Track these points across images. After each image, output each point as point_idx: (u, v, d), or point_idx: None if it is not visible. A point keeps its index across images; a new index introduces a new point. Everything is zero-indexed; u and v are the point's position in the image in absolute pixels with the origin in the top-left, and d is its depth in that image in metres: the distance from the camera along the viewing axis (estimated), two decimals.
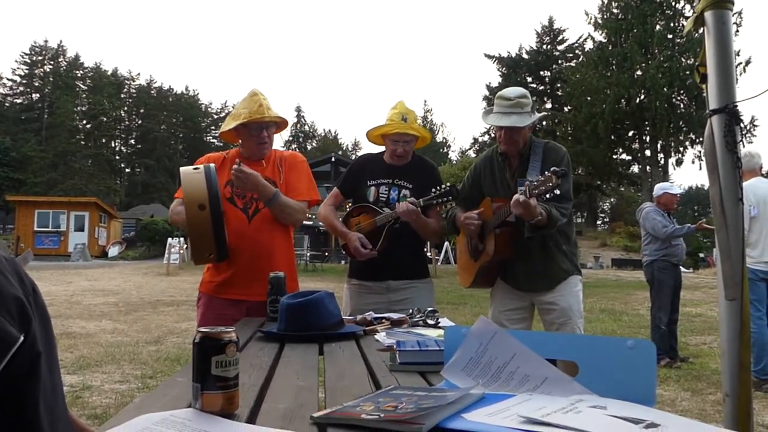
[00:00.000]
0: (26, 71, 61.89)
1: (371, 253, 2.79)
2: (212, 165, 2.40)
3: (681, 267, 5.98)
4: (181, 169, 2.37)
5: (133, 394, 4.34)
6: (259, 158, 2.63)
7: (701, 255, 24.58)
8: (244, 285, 2.50)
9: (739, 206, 1.63)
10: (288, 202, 2.54)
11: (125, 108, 66.52)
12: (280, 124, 2.68)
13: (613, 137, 35.16)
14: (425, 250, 3.14)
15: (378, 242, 2.81)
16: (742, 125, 1.68)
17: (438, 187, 2.71)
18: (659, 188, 6.01)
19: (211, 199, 2.23)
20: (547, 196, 2.31)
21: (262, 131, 2.57)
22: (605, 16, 35.00)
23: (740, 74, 29.81)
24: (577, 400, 0.90)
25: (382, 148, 3.01)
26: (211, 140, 69.45)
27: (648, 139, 35.17)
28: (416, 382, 1.20)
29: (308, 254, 21.71)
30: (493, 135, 2.83)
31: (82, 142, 59.27)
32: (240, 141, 2.67)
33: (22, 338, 0.76)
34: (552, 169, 2.30)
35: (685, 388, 4.63)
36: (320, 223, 3.02)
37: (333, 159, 30.00)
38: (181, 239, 21.44)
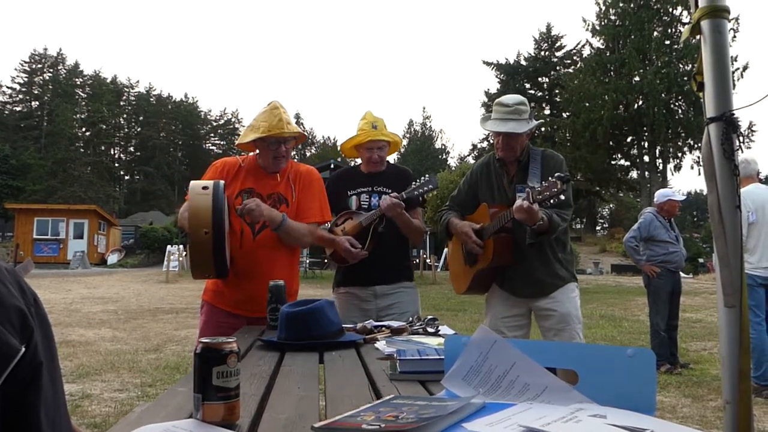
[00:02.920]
0: (26, 79, 62.05)
1: (362, 253, 2.80)
2: (222, 183, 2.35)
3: (681, 273, 6.00)
4: (192, 184, 2.32)
5: (132, 403, 4.33)
6: (274, 172, 2.61)
7: (701, 260, 24.58)
8: (242, 300, 2.49)
9: (737, 214, 1.63)
10: (295, 227, 2.50)
11: (124, 115, 66.65)
12: (298, 137, 2.66)
13: (611, 143, 35.22)
14: (411, 253, 3.18)
15: (365, 244, 2.82)
16: (739, 133, 1.69)
17: (418, 180, 2.80)
18: (662, 195, 6.00)
19: (215, 224, 2.21)
20: (552, 201, 2.29)
21: (280, 146, 2.53)
22: (603, 23, 35.14)
23: (737, 80, 29.90)
24: (577, 409, 0.90)
25: (344, 166, 3.08)
26: (211, 147, 69.60)
27: (646, 144, 35.24)
28: (416, 391, 1.21)
29: (307, 261, 21.70)
30: (492, 141, 2.84)
31: (82, 150, 59.40)
32: (257, 150, 2.64)
33: (23, 349, 0.76)
34: (557, 174, 2.28)
35: (685, 395, 4.63)
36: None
37: (332, 165, 30.00)
38: (180, 246, 21.40)
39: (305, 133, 2.67)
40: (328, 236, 2.92)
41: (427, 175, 2.83)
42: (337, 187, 3.02)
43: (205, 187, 2.28)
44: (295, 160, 2.82)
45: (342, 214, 2.95)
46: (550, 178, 2.30)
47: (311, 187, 2.65)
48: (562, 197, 2.27)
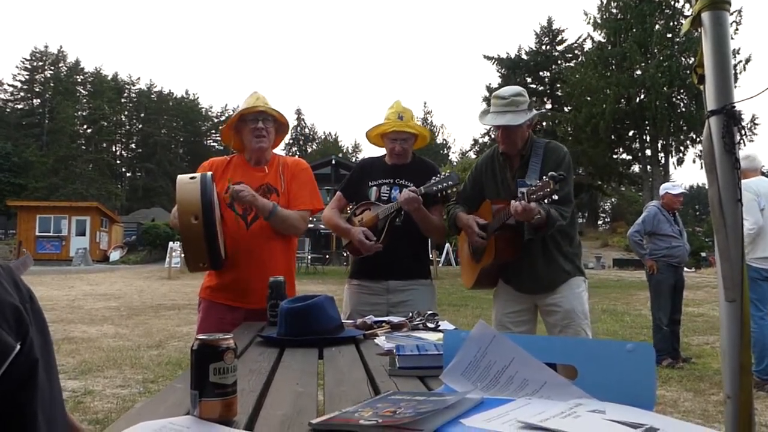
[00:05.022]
0: (27, 77, 62.01)
1: (376, 246, 2.76)
2: (209, 174, 2.37)
3: (684, 267, 5.99)
4: (178, 177, 2.35)
5: (134, 399, 4.34)
6: (260, 158, 2.63)
7: (703, 254, 24.53)
8: (240, 292, 2.49)
9: (738, 207, 1.62)
10: (287, 214, 2.51)
11: (126, 112, 66.65)
12: (280, 123, 2.68)
13: (613, 137, 35.12)
14: (428, 251, 3.14)
15: (381, 236, 2.78)
16: (741, 126, 1.68)
17: (438, 175, 2.75)
18: (662, 188, 6.03)
19: (204, 210, 2.20)
20: (546, 201, 2.29)
21: (258, 122, 2.57)
22: (604, 16, 35.00)
23: (740, 72, 29.78)
24: (576, 404, 0.90)
25: (383, 151, 3.04)
26: (212, 143, 69.57)
27: (648, 138, 35.14)
28: (415, 387, 1.20)
29: (309, 257, 21.70)
30: (493, 136, 2.83)
31: (83, 147, 59.41)
32: (243, 144, 2.68)
33: (18, 347, 0.76)
34: (550, 174, 2.28)
35: (687, 389, 4.62)
36: (321, 226, 3.02)
37: (333, 161, 29.99)
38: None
39: (286, 119, 2.70)
40: (343, 225, 2.90)
41: (447, 171, 2.78)
42: (360, 175, 3.00)
43: (192, 177, 2.30)
44: (296, 156, 2.83)
45: (361, 205, 2.93)
46: (544, 178, 2.30)
47: (300, 176, 2.66)
48: (555, 197, 2.27)
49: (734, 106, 1.64)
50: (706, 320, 8.59)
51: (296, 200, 2.58)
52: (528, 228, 2.57)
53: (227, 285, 2.52)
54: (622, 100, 33.48)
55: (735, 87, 1.72)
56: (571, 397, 0.93)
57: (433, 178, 2.73)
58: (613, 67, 34.31)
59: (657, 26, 32.96)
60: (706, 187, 1.75)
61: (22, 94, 61.90)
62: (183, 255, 2.40)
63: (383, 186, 2.91)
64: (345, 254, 3.40)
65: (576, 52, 44.59)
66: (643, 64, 32.84)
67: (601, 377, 0.94)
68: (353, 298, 2.91)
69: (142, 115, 66.44)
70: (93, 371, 5.29)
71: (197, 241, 2.22)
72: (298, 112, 76.81)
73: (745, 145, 1.72)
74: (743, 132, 1.69)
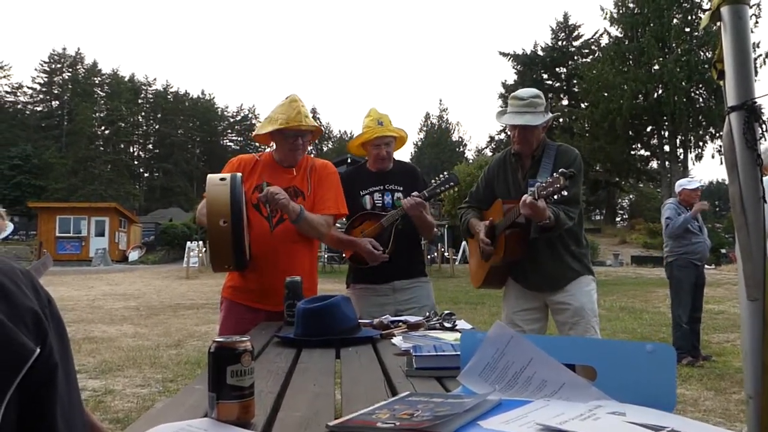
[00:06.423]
0: (45, 79, 62.90)
1: (384, 256, 2.82)
2: (239, 175, 2.36)
3: (705, 265, 5.89)
4: (209, 177, 2.35)
5: (154, 398, 4.38)
6: (291, 164, 2.62)
7: (723, 251, 24.20)
8: (262, 293, 2.49)
9: (760, 204, 1.60)
10: (313, 219, 2.50)
11: (143, 113, 67.31)
12: (315, 132, 2.67)
13: (631, 133, 34.81)
14: (422, 249, 3.24)
15: (387, 244, 2.84)
16: (762, 121, 1.65)
17: (438, 177, 2.88)
18: (678, 185, 5.94)
19: (233, 213, 2.22)
20: (555, 197, 2.32)
21: (297, 139, 2.55)
22: (621, 11, 34.69)
23: (760, 66, 29.35)
24: (596, 406, 0.89)
25: (362, 160, 3.14)
26: (228, 143, 70.08)
27: (667, 134, 34.76)
28: (433, 388, 1.20)
29: (326, 255, 21.75)
30: (509, 134, 2.86)
31: (102, 148, 60.16)
32: (273, 144, 2.66)
33: (38, 350, 0.77)
34: (560, 170, 2.32)
35: (708, 387, 4.57)
36: (337, 225, 3.04)
37: (349, 160, 30.00)
38: (200, 242, 21.60)
39: (322, 128, 2.68)
40: (347, 238, 2.92)
41: (445, 173, 2.89)
42: (349, 187, 3.01)
43: (222, 179, 2.30)
44: (312, 155, 2.83)
45: (358, 216, 2.96)
46: (554, 174, 2.34)
47: (327, 180, 2.65)
48: (565, 193, 2.30)
49: (755, 102, 1.61)
50: (727, 318, 8.47)
51: (321, 204, 2.57)
52: (535, 228, 2.61)
53: (250, 286, 2.52)
54: (640, 96, 33.14)
55: (755, 81, 1.69)
56: (590, 398, 0.92)
57: (433, 180, 2.86)
58: (631, 62, 33.99)
59: (675, 20, 32.58)
60: (726, 183, 1.72)
61: (41, 96, 62.80)
62: (209, 255, 2.43)
63: (375, 193, 2.98)
64: (351, 262, 3.42)
65: (593, 47, 44.33)
66: (660, 59, 32.49)
67: (620, 378, 0.93)
68: (360, 301, 2.94)
69: (159, 115, 67.05)
70: (113, 371, 5.36)
71: (224, 243, 2.24)
72: (314, 111, 76.96)
73: (766, 140, 1.69)
74: (765, 128, 1.66)
